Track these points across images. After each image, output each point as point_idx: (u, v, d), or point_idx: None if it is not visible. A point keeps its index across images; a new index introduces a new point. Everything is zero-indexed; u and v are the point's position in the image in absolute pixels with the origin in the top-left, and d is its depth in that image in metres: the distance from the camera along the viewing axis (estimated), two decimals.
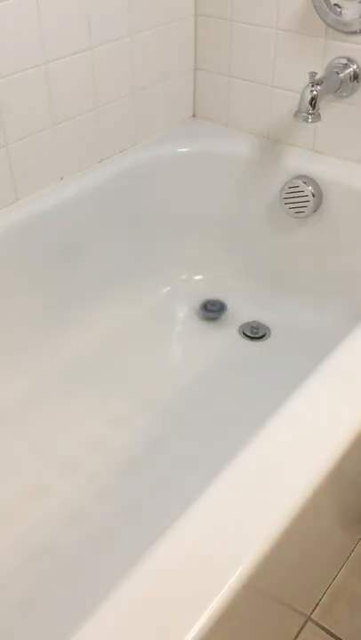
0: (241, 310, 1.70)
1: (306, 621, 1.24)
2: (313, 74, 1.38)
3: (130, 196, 1.61)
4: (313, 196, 1.53)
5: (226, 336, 1.64)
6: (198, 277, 1.77)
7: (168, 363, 1.59)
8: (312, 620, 1.24)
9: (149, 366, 1.57)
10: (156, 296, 1.73)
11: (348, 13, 1.38)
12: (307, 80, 1.39)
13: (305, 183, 1.53)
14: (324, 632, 1.23)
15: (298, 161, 1.57)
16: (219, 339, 1.63)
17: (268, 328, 1.65)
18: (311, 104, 1.37)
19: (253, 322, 1.66)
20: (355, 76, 1.44)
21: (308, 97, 1.37)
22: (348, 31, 1.40)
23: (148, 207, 1.66)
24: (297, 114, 1.39)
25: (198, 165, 1.66)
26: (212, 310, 1.70)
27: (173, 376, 1.54)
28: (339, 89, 1.45)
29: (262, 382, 1.51)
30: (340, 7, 1.39)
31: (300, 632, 1.22)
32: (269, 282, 1.71)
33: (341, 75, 1.43)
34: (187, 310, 1.72)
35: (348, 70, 1.43)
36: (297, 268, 1.67)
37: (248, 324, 1.66)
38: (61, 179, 1.49)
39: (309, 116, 1.38)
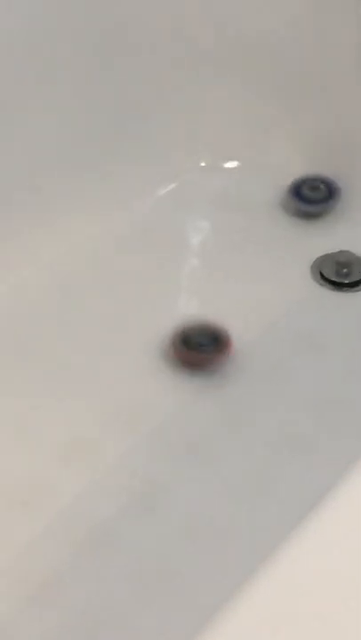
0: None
1: None
2: None
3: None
4: None
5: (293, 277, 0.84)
6: (231, 165, 0.94)
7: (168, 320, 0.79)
8: None
9: (135, 332, 0.79)
10: (152, 199, 0.92)
11: None
12: None
13: None
14: None
15: None
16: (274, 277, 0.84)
17: None
18: None
19: (340, 253, 0.85)
20: None
21: None
22: None
23: (138, 25, 0.86)
24: None
25: None
26: (312, 200, 0.90)
27: None
28: None
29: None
30: None
31: None
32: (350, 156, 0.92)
33: None
34: (209, 226, 0.92)
35: None
36: None
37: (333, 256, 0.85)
38: None
39: None
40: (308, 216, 0.89)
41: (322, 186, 0.89)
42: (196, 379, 0.73)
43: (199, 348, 0.73)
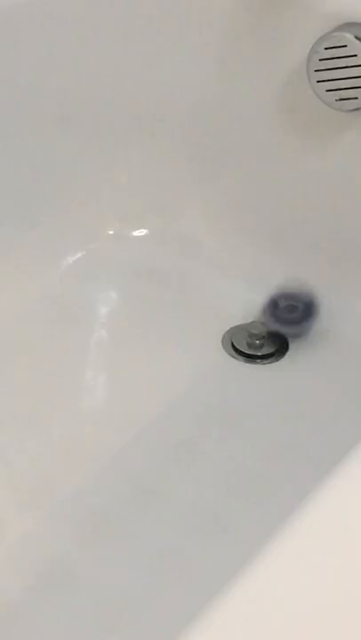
0: (222, 290, 0.87)
1: None
2: None
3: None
4: None
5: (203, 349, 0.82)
6: (140, 233, 0.92)
7: (78, 395, 0.82)
8: None
9: (45, 403, 0.78)
10: (59, 270, 0.90)
11: None
12: None
13: (358, 38, 0.76)
14: None
15: None
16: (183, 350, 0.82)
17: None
18: None
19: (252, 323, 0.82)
20: None
21: None
22: None
23: (42, 88, 0.86)
24: None
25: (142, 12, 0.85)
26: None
27: (90, 425, 0.78)
28: None
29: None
30: None
31: None
32: (270, 238, 0.89)
33: None
34: (116, 297, 0.89)
35: None
36: (319, 213, 0.87)
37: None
38: None
39: None
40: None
41: None
42: None
43: None
